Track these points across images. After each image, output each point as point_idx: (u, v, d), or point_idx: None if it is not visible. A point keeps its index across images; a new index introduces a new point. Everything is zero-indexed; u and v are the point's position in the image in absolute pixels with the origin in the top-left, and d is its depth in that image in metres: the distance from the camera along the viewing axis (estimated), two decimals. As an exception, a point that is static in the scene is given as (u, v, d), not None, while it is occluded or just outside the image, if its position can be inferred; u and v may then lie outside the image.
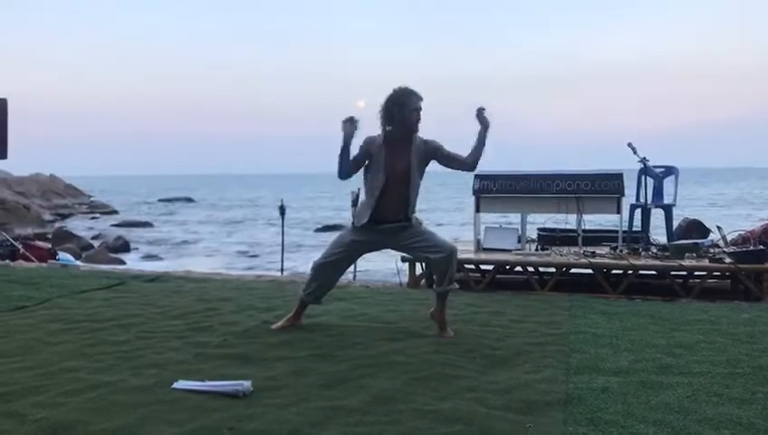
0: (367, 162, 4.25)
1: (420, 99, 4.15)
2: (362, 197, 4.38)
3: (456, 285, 4.47)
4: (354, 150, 4.20)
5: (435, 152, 4.25)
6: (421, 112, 4.17)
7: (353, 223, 4.40)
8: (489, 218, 7.78)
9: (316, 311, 4.90)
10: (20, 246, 10.00)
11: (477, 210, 7.33)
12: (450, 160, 4.27)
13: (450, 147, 4.30)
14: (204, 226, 30.50)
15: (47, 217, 28.87)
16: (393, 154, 4.17)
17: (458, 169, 4.31)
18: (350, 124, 4.15)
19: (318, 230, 26.35)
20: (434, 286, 4.41)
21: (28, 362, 3.58)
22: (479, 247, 7.30)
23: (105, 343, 3.99)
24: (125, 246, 20.38)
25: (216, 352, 3.77)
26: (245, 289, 6.05)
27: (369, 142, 4.22)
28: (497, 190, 7.17)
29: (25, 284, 6.07)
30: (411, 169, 4.17)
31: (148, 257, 18.74)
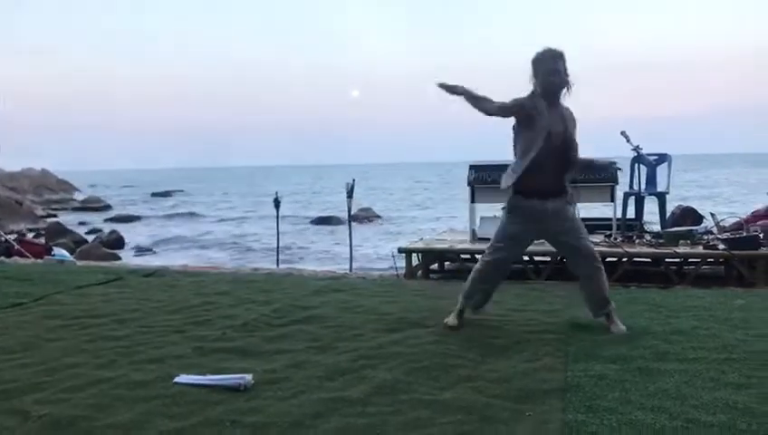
0: (517, 122, 3.98)
1: (557, 59, 3.88)
2: (512, 166, 4.04)
3: (612, 306, 4.09)
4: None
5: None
6: (564, 74, 3.89)
7: (507, 208, 4.12)
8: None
9: (313, 303, 4.92)
10: (15, 243, 9.96)
11: (473, 201, 7.36)
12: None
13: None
14: (197, 219, 30.41)
15: (40, 212, 28.75)
16: (550, 118, 3.90)
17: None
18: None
19: (313, 223, 26.30)
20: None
21: (28, 358, 3.59)
22: (475, 237, 7.34)
23: (104, 338, 4.00)
24: (119, 241, 20.26)
25: (215, 346, 3.79)
26: (242, 282, 6.06)
27: (525, 101, 3.94)
28: (492, 181, 7.18)
29: (22, 280, 6.07)
30: (568, 135, 3.95)
31: (142, 252, 18.66)
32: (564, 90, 3.95)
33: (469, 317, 4.27)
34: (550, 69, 3.88)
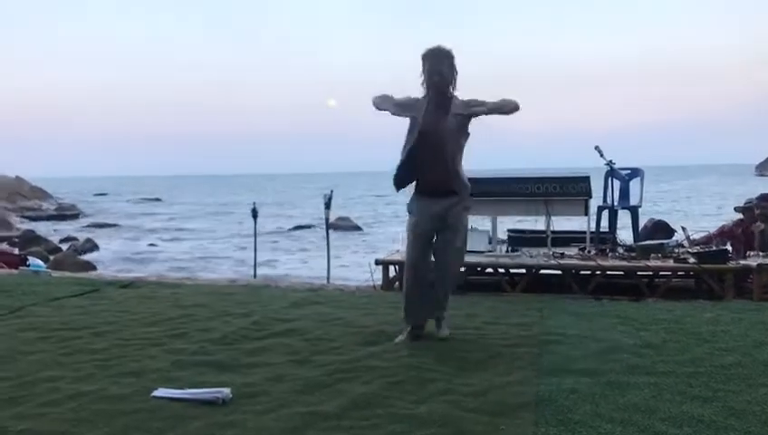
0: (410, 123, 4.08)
1: (442, 58, 3.97)
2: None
3: (444, 313, 4.34)
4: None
5: (471, 108, 4.03)
6: (449, 74, 3.99)
7: (408, 203, 4.24)
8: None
9: (291, 316, 4.95)
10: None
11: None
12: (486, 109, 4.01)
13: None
14: (173, 228, 30.19)
15: (13, 219, 28.39)
16: (431, 116, 3.98)
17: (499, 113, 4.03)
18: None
19: (291, 232, 26.26)
20: None
21: (4, 372, 3.57)
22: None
23: (82, 351, 4.00)
24: (94, 250, 20.11)
25: (193, 359, 3.81)
26: (220, 294, 6.07)
27: (412, 101, 4.08)
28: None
29: (-4, 291, 6.02)
30: (447, 133, 3.97)
31: (118, 261, 18.52)
32: (449, 88, 4.03)
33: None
34: (433, 69, 3.98)
